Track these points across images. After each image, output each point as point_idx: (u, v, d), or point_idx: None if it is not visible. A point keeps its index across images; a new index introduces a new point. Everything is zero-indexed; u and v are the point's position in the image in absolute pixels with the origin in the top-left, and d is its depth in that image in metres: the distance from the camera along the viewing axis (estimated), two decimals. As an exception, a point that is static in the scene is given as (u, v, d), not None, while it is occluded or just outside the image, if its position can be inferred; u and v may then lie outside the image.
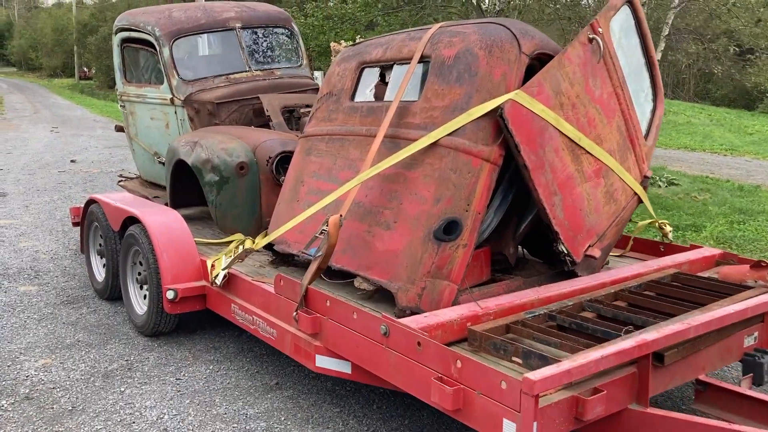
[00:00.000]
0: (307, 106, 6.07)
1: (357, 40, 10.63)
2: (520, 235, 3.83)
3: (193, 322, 4.98)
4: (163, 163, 6.33)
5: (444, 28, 3.79)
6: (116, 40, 6.60)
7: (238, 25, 6.32)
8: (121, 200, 5.23)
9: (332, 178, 4.07)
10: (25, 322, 5.04)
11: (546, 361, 2.65)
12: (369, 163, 3.64)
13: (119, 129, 7.14)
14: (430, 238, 3.34)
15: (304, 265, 4.34)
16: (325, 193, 4.06)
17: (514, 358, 2.82)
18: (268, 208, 4.98)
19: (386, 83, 4.06)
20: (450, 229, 3.31)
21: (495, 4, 11.38)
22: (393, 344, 2.99)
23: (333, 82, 4.35)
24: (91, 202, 5.60)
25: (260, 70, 6.35)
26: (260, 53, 6.51)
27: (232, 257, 4.17)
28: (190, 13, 6.25)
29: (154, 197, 6.19)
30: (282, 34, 6.68)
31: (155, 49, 6.12)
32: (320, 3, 13.86)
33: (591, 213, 3.68)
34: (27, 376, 4.15)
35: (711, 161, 14.31)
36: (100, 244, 5.62)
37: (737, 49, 19.49)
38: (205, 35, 6.30)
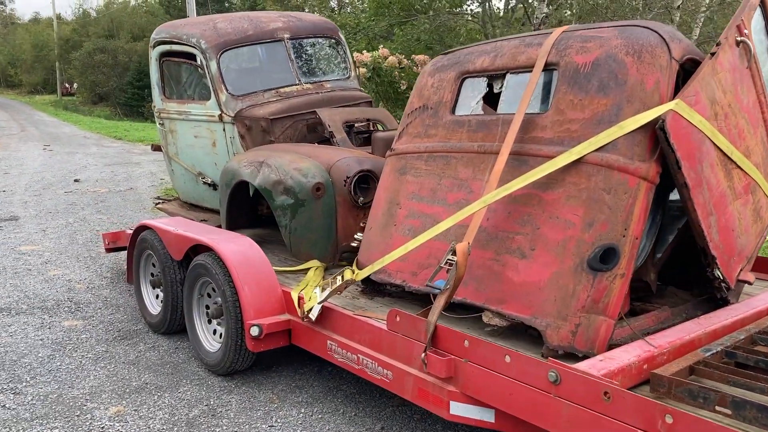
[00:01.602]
0: (368, 120, 5.71)
1: (380, 49, 10.30)
2: (660, 259, 3.48)
3: (265, 357, 4.56)
4: (209, 184, 5.95)
5: (569, 32, 3.44)
6: (154, 54, 6.17)
7: (287, 35, 5.94)
8: (182, 227, 4.81)
9: (438, 200, 3.70)
10: (81, 362, 4.59)
11: (769, 412, 2.29)
12: (495, 183, 3.26)
13: (156, 148, 6.71)
14: (583, 268, 2.97)
15: (400, 296, 3.96)
16: (430, 216, 3.69)
17: (718, 408, 2.45)
18: (345, 231, 4.60)
19: (495, 94, 3.71)
20: (607, 258, 2.95)
21: (543, 14, 11.06)
22: (566, 393, 2.61)
23: (427, 95, 3.98)
24: (143, 228, 5.16)
25: (310, 83, 5.97)
26: (309, 65, 6.13)
27: (330, 289, 3.77)
28: (236, 24, 5.86)
29: (202, 220, 5.78)
30: (329, 44, 6.31)
31: (200, 63, 5.72)
32: (334, 14, 13.52)
33: (742, 234, 3.34)
34: (102, 428, 3.72)
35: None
36: (153, 274, 5.19)
37: None
38: (253, 47, 5.91)
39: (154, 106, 6.41)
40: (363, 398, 4.05)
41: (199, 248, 4.57)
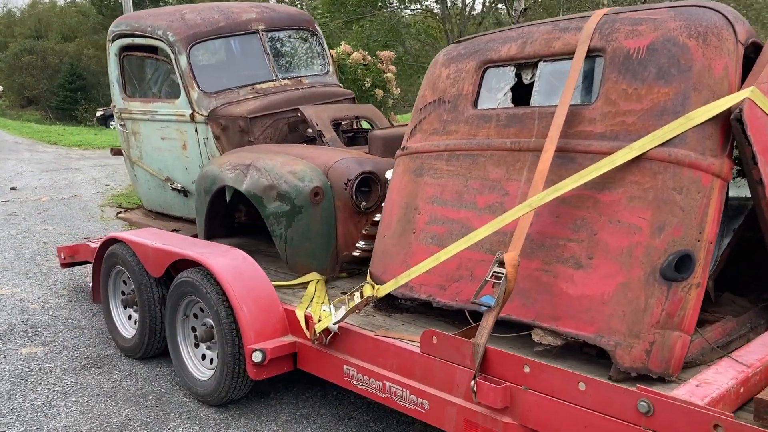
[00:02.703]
0: (356, 117, 5.29)
1: (342, 45, 9.84)
2: (718, 264, 3.17)
3: (262, 382, 4.08)
4: (179, 190, 5.42)
5: (613, 15, 3.09)
6: (113, 48, 5.60)
7: (261, 27, 5.46)
8: (160, 239, 4.28)
9: (465, 203, 3.31)
10: (48, 397, 4.03)
11: None
12: (541, 183, 2.89)
13: (116, 152, 6.12)
14: (655, 278, 2.62)
15: (421, 311, 3.56)
16: (456, 222, 3.30)
17: (843, 439, 2.13)
18: (345, 239, 4.17)
19: (527, 85, 3.34)
20: (682, 266, 2.61)
21: (523, 7, 10.76)
22: (661, 427, 2.26)
23: (442, 87, 3.59)
24: (112, 241, 4.61)
25: (288, 78, 5.51)
26: (286, 59, 5.67)
27: (346, 307, 3.33)
28: (206, 15, 5.36)
29: (173, 230, 5.25)
30: (305, 37, 5.86)
31: (168, 58, 5.20)
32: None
33: (806, 234, 3.05)
34: (85, 478, 3.20)
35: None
36: (124, 293, 4.64)
37: None
38: (226, 40, 5.41)
39: (114, 106, 5.83)
40: (380, 426, 3.63)
41: (180, 263, 4.07)
